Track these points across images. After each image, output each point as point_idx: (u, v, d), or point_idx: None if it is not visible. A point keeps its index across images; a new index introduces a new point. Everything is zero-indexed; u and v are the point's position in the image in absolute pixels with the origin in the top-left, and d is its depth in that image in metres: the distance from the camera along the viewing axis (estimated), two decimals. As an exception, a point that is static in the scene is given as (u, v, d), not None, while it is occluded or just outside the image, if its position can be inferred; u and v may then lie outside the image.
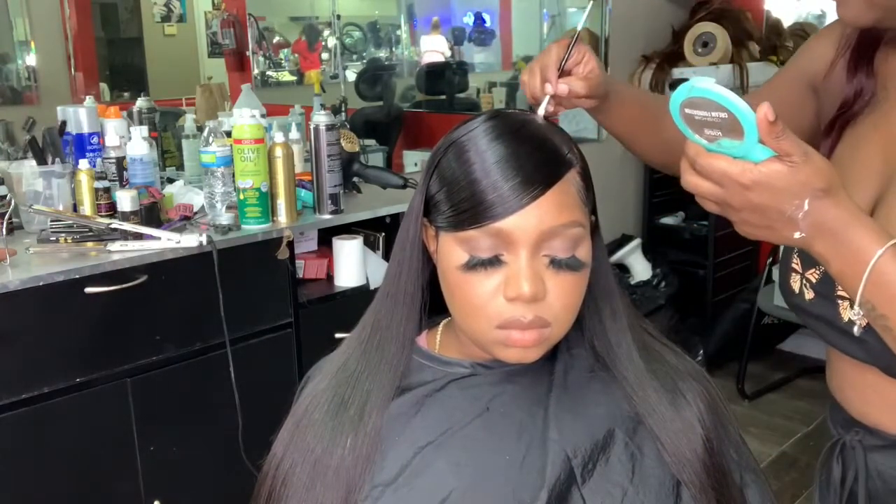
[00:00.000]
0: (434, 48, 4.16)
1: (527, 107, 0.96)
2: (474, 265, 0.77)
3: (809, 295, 0.95)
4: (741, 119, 0.68)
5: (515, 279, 0.75)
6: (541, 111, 0.88)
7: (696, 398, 0.85)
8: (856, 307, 0.75)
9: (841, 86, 1.00)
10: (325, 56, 3.61)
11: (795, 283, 0.97)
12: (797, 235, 0.73)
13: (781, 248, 0.99)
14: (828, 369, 1.05)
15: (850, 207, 0.72)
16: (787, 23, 3.97)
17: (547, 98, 0.91)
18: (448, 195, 0.78)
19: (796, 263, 0.96)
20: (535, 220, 0.75)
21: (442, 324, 0.92)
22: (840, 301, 0.90)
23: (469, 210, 0.76)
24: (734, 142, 0.70)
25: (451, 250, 0.78)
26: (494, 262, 0.77)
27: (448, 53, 4.21)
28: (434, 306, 0.89)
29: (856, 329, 0.78)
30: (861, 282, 0.72)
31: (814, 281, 0.93)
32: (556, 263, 0.77)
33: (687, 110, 0.72)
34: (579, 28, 0.94)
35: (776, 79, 1.16)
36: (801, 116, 1.06)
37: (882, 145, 0.93)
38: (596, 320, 0.86)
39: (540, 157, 0.77)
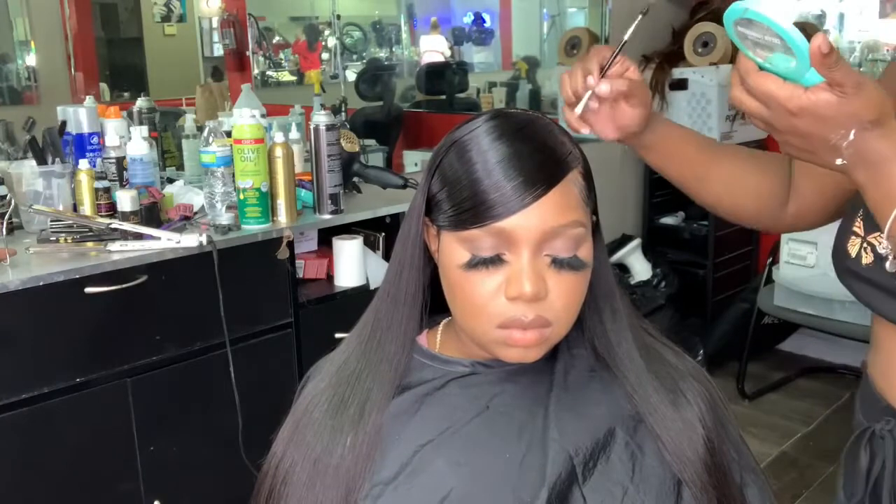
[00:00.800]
0: (434, 48, 4.16)
1: (558, 107, 0.91)
2: (476, 264, 0.77)
3: (867, 259, 0.92)
4: (793, 48, 0.67)
5: (517, 278, 0.75)
6: (579, 107, 0.85)
7: (697, 398, 0.85)
8: (884, 241, 0.75)
9: None
10: (325, 56, 3.61)
11: (853, 246, 0.94)
12: (839, 162, 0.72)
13: (846, 211, 0.97)
14: (872, 353, 1.03)
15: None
16: (787, 23, 3.96)
17: (588, 94, 0.87)
18: (450, 194, 0.78)
19: (858, 227, 0.94)
20: (536, 220, 0.75)
21: (442, 323, 0.92)
22: None
23: (471, 209, 0.76)
24: (786, 61, 0.68)
25: (453, 249, 0.79)
26: (496, 261, 0.77)
27: (448, 53, 4.21)
28: (434, 306, 0.89)
29: (888, 264, 0.77)
30: (893, 214, 0.72)
31: (877, 244, 0.90)
32: (557, 263, 0.77)
33: (740, 28, 0.70)
34: (626, 37, 0.90)
35: None
36: None
37: None
38: (596, 320, 0.86)
39: (542, 156, 0.77)
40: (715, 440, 0.84)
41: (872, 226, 0.91)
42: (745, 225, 1.12)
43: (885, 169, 0.72)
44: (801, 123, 0.71)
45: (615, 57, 0.90)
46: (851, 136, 0.70)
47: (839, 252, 0.97)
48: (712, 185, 1.07)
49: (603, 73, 0.90)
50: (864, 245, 0.93)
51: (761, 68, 0.71)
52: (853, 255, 0.95)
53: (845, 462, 1.07)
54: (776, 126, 0.73)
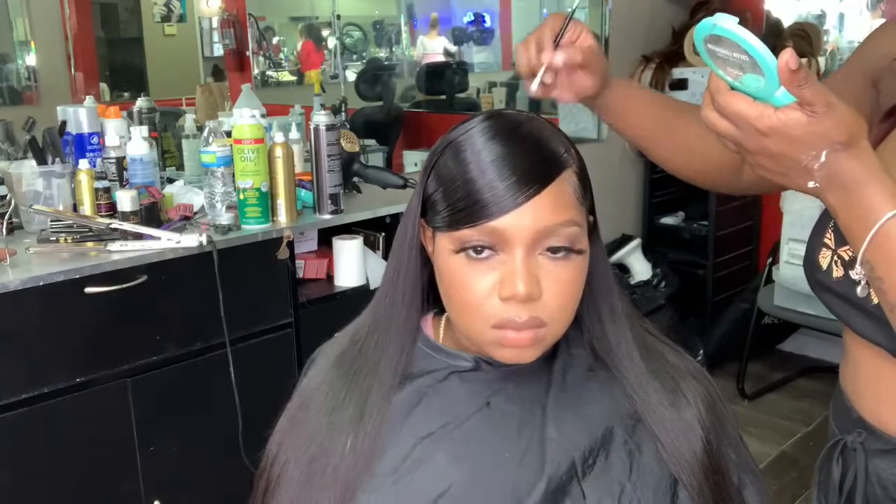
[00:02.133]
0: (434, 50, 4.17)
1: (524, 87, 0.92)
2: (470, 264, 0.77)
3: (838, 273, 0.91)
4: (761, 64, 0.66)
5: (510, 279, 0.75)
6: (535, 84, 0.84)
7: (697, 398, 0.85)
8: (857, 266, 0.74)
9: None
10: (325, 56, 3.62)
11: (824, 258, 0.94)
12: (811, 185, 0.72)
13: (814, 221, 0.97)
14: (843, 364, 1.02)
15: (870, 163, 0.71)
16: (787, 23, 3.97)
17: (542, 69, 0.87)
18: (445, 194, 0.78)
19: (829, 239, 0.93)
20: (530, 220, 0.75)
21: (445, 314, 0.91)
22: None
23: (465, 209, 0.76)
24: (757, 81, 0.68)
25: (448, 250, 0.79)
26: (490, 261, 0.77)
27: (450, 53, 4.21)
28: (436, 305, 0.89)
29: (859, 289, 0.77)
30: (865, 240, 0.71)
31: (846, 258, 0.90)
32: (552, 250, 0.77)
33: (710, 45, 0.70)
34: (576, 4, 0.92)
35: (839, 73, 1.11)
36: (859, 110, 1.03)
37: None
38: (595, 320, 0.86)
39: (536, 156, 0.77)
40: (714, 441, 0.84)
41: (843, 238, 0.89)
42: (700, 186, 1.12)
43: (856, 191, 0.70)
44: (771, 144, 0.70)
45: (567, 24, 0.90)
46: (823, 158, 0.69)
47: (810, 264, 0.97)
48: (671, 148, 1.06)
49: (556, 41, 0.89)
50: (835, 258, 0.92)
51: (732, 88, 0.71)
52: (824, 267, 0.94)
53: (819, 474, 1.06)
54: (747, 147, 0.72)
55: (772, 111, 0.68)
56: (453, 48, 4.25)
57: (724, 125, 0.72)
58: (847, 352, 0.99)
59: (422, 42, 4.17)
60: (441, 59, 4.15)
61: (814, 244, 0.96)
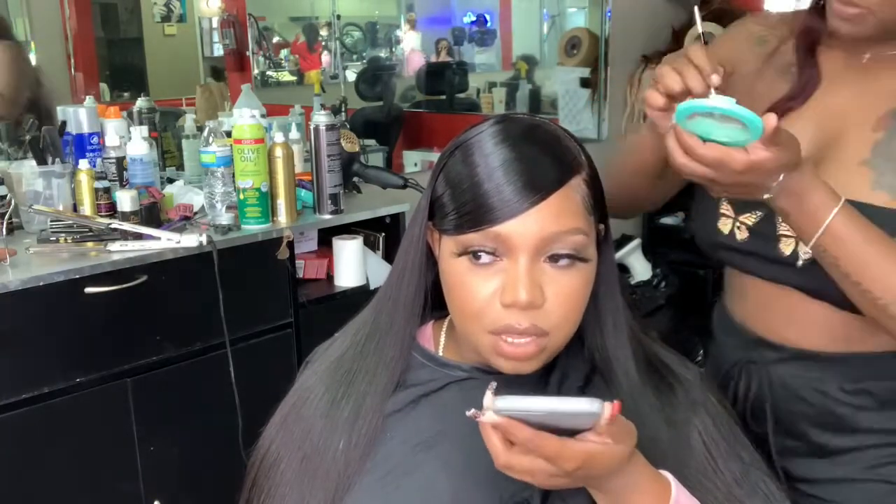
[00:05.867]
0: (414, 48, 4.16)
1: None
2: (473, 268, 0.77)
3: (742, 235, 1.09)
4: (750, 126, 0.80)
5: (513, 285, 0.75)
6: (724, 98, 0.82)
7: (700, 411, 0.84)
8: (807, 248, 0.91)
9: (773, 80, 1.09)
10: (325, 56, 3.62)
11: (725, 225, 1.11)
12: (765, 196, 0.88)
13: (696, 197, 1.15)
14: (730, 298, 1.19)
15: (812, 172, 0.89)
16: (787, 23, 3.97)
17: (712, 92, 0.86)
18: (452, 197, 0.78)
19: (726, 209, 1.10)
20: (535, 226, 0.74)
21: (447, 320, 0.91)
22: (783, 238, 1.04)
23: (470, 213, 0.76)
24: (740, 134, 0.81)
25: (452, 253, 0.78)
26: (493, 266, 0.77)
27: (429, 52, 4.20)
28: (438, 309, 0.88)
29: (799, 262, 0.95)
30: (817, 232, 0.89)
31: (750, 223, 1.08)
32: (554, 258, 0.76)
33: (699, 116, 0.82)
34: (701, 30, 0.96)
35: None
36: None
37: (815, 120, 1.05)
38: (598, 332, 0.85)
39: (544, 161, 0.76)
40: (716, 456, 0.83)
41: (743, 207, 1.08)
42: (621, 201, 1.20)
43: (803, 197, 0.88)
44: (745, 178, 0.84)
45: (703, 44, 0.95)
46: (781, 178, 0.86)
47: (709, 230, 1.13)
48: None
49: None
50: (737, 224, 1.09)
51: (704, 141, 0.83)
52: (725, 232, 1.11)
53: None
54: (722, 182, 0.86)
55: (744, 154, 0.82)
56: (454, 48, 4.24)
57: (703, 170, 0.85)
58: (745, 292, 1.14)
59: (408, 42, 4.17)
60: (423, 57, 4.13)
61: (710, 215, 1.12)
